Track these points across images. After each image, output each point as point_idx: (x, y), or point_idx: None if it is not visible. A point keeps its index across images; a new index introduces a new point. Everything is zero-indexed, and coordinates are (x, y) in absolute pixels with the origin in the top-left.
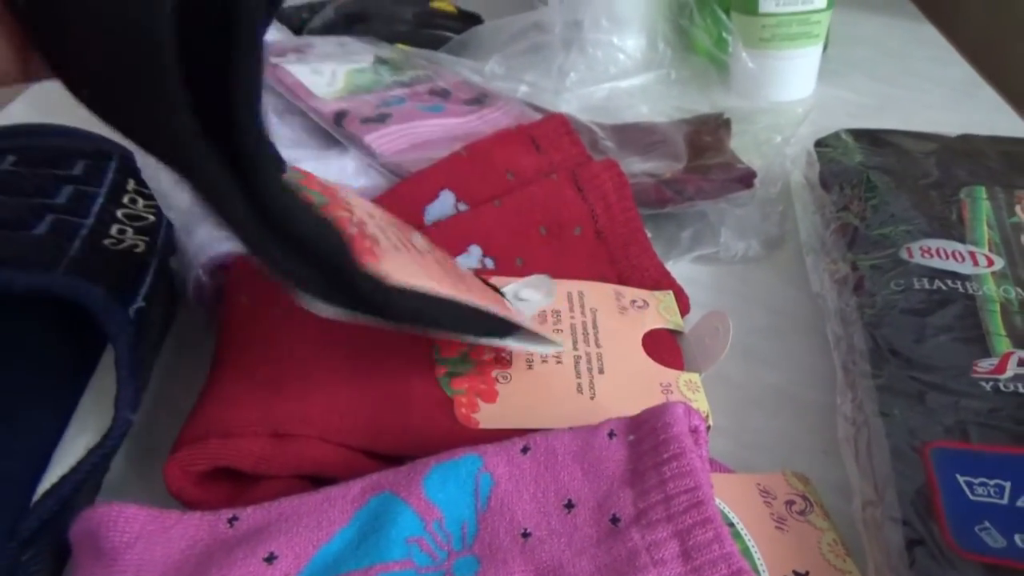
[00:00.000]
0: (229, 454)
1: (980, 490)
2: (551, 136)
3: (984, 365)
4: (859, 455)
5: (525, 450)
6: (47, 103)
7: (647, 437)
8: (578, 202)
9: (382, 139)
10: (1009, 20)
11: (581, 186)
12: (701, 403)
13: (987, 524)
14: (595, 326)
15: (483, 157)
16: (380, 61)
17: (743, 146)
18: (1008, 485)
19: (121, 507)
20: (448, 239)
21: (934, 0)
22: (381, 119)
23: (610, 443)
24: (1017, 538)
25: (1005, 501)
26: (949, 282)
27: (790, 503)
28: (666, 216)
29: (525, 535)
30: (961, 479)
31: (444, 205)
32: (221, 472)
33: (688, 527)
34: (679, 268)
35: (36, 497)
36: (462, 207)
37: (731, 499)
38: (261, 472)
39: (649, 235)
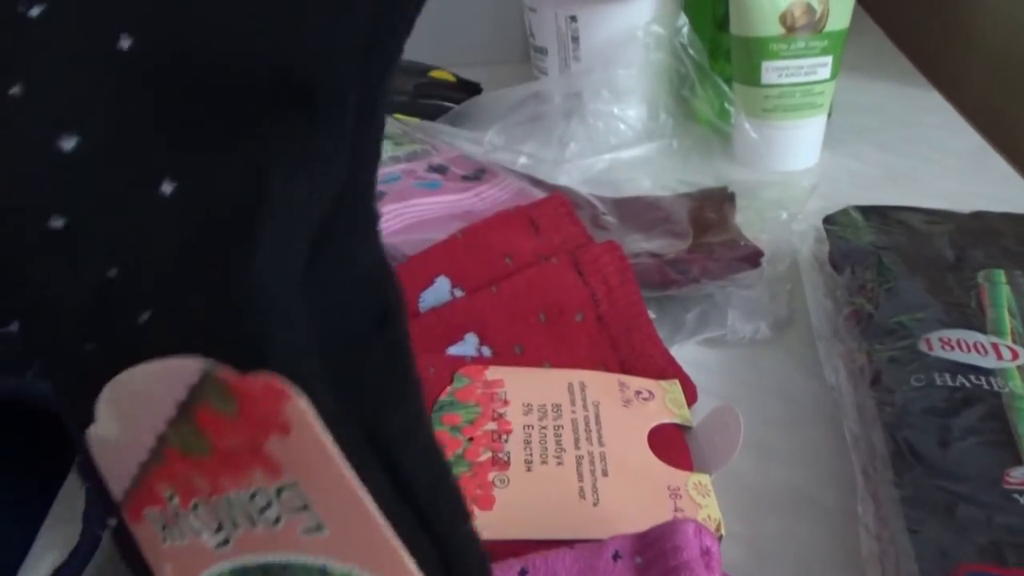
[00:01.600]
0: None
1: None
2: (551, 217)
3: (1017, 475)
4: None
5: (523, 574)
6: None
7: (655, 562)
8: (579, 286)
9: None
10: (1015, 88)
11: (582, 269)
12: (712, 509)
13: None
14: (598, 421)
15: (480, 240)
16: None
17: (748, 221)
18: None
19: None
20: (444, 327)
21: (938, 68)
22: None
23: (615, 566)
24: None
25: None
26: (972, 378)
27: None
28: (670, 297)
29: None
30: None
31: (439, 291)
32: None
33: None
34: (685, 351)
35: None
36: (458, 293)
37: None
38: None
39: (653, 317)
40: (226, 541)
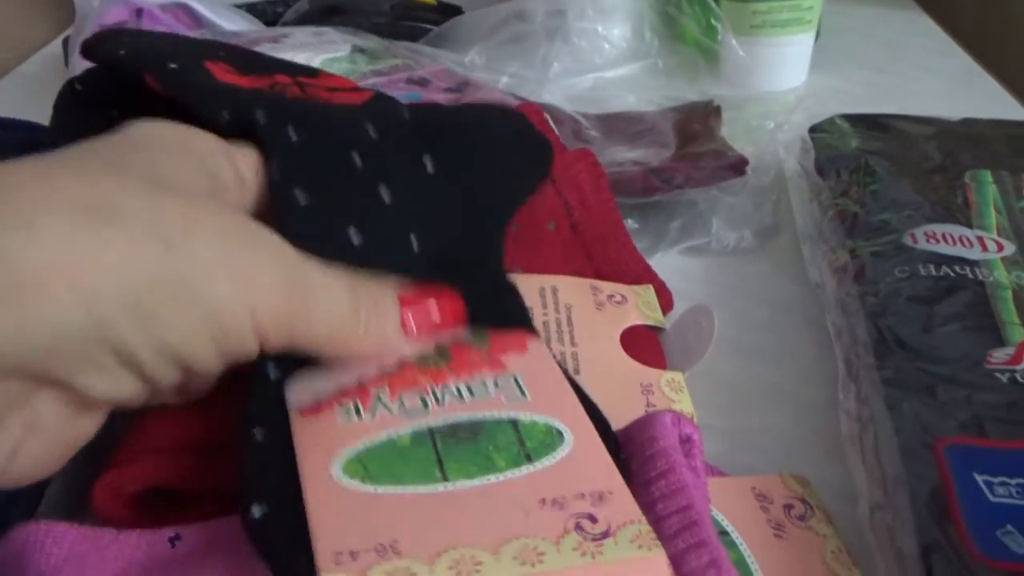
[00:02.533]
0: (164, 472)
1: (1001, 490)
2: None
3: (999, 355)
4: (865, 454)
5: None
6: (23, 91)
7: (635, 454)
8: (551, 195)
9: None
10: (1005, 7)
11: (555, 178)
12: (684, 404)
13: (1010, 528)
14: (570, 323)
15: None
16: (357, 50)
17: (734, 134)
18: None
19: (49, 526)
20: None
21: None
22: None
23: None
24: None
25: None
26: (957, 268)
27: (788, 507)
28: (654, 206)
29: None
30: (979, 478)
31: None
32: (159, 493)
33: (680, 552)
34: (668, 260)
35: None
36: None
37: (724, 505)
38: (200, 491)
39: (636, 226)
40: (424, 410)
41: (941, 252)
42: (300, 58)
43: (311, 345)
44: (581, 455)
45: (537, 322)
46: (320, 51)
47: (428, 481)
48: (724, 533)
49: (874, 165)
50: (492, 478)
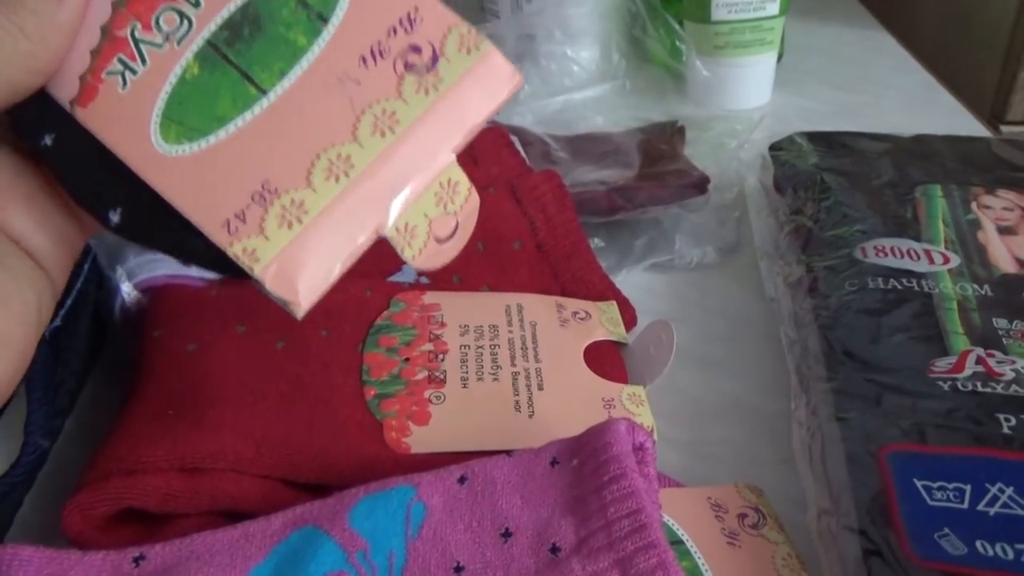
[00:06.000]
0: (133, 493)
1: (939, 495)
2: (489, 148)
3: (941, 364)
4: (814, 462)
5: (462, 480)
6: None
7: (589, 460)
8: (517, 215)
9: None
10: (965, 28)
11: (520, 198)
12: (645, 417)
13: (947, 531)
14: (535, 340)
15: None
16: None
17: (698, 153)
18: (968, 488)
19: (16, 549)
20: (381, 257)
21: (890, 9)
22: None
23: (552, 472)
24: (978, 544)
25: (965, 506)
26: (904, 281)
27: (742, 516)
28: (619, 224)
29: (458, 569)
30: (919, 483)
31: None
32: (129, 515)
33: (630, 554)
34: (633, 277)
35: None
36: None
37: (680, 515)
38: (170, 510)
39: (602, 244)
40: (188, 26)
41: (889, 265)
42: None
43: None
44: None
45: (502, 339)
46: None
47: (248, 102)
48: (679, 542)
49: (829, 181)
50: (304, 63)
